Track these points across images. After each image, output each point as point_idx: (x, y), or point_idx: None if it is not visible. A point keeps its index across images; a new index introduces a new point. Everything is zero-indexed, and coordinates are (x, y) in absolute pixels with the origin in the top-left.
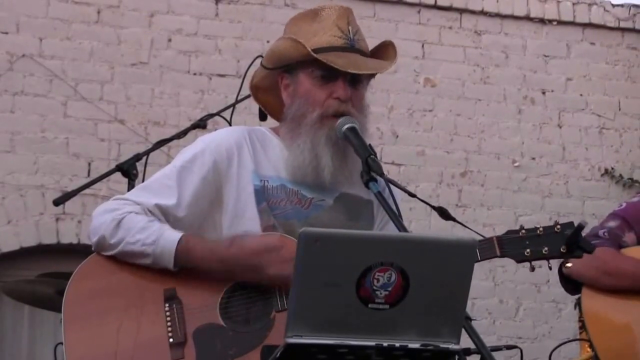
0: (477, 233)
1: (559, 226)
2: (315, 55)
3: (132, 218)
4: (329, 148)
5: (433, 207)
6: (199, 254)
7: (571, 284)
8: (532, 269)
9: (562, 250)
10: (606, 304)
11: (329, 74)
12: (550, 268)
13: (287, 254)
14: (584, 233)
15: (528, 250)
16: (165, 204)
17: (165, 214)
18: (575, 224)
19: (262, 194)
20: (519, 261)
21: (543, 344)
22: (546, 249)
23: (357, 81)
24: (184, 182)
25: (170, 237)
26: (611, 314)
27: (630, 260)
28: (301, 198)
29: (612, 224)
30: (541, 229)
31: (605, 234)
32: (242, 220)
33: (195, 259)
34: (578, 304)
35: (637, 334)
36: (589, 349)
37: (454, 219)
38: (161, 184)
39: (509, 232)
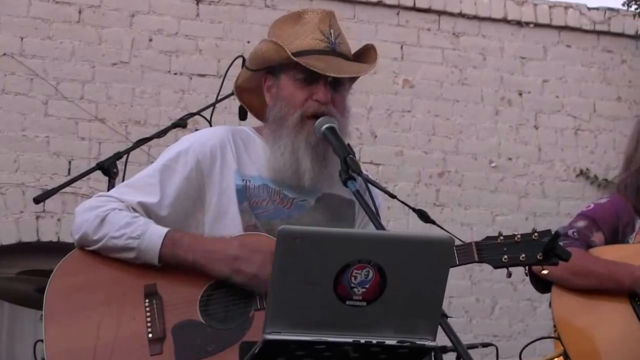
0: (456, 237)
1: (536, 234)
2: (294, 58)
3: (116, 214)
4: (308, 152)
5: (413, 209)
6: (185, 246)
7: (541, 282)
8: (509, 274)
9: (538, 257)
10: (576, 304)
11: (310, 77)
12: (526, 274)
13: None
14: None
15: (505, 256)
16: (148, 202)
17: (147, 212)
18: (552, 230)
19: (244, 193)
20: (496, 267)
21: (519, 342)
22: (523, 255)
23: (338, 84)
24: (167, 181)
25: (156, 230)
26: (580, 313)
27: (599, 261)
28: (283, 198)
29: (581, 224)
30: (519, 236)
31: (575, 233)
32: (224, 220)
33: (179, 251)
34: None
35: (606, 333)
36: (562, 347)
37: (433, 222)
38: (144, 182)
39: (487, 238)
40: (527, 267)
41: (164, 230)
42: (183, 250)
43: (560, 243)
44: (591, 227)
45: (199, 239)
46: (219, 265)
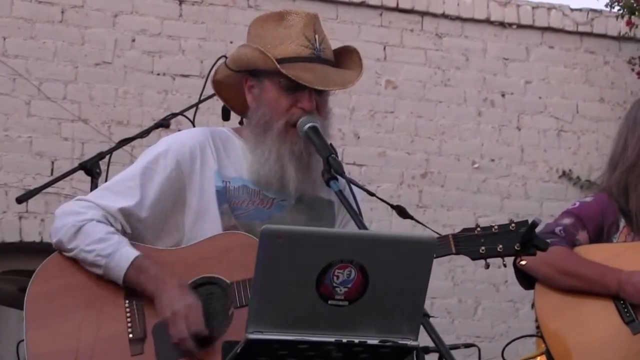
0: (434, 231)
1: (513, 224)
2: (283, 71)
3: (93, 227)
4: (293, 162)
5: (391, 206)
6: (148, 277)
7: (526, 279)
8: (487, 266)
9: (516, 247)
10: (559, 302)
11: (295, 85)
12: (505, 265)
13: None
14: (538, 230)
15: (483, 247)
16: (128, 206)
17: (128, 216)
18: (529, 221)
19: (224, 195)
20: (474, 258)
21: (501, 343)
22: (501, 246)
23: (322, 90)
24: (147, 183)
25: (126, 253)
26: (564, 312)
27: (586, 263)
28: (263, 198)
29: (567, 221)
30: (496, 227)
31: (562, 231)
32: (204, 221)
33: (142, 280)
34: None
35: (589, 332)
36: (544, 346)
37: (412, 217)
38: (124, 185)
39: (464, 230)
40: (503, 259)
41: (134, 254)
42: (145, 280)
43: (548, 240)
44: (577, 225)
45: (161, 274)
46: (162, 309)
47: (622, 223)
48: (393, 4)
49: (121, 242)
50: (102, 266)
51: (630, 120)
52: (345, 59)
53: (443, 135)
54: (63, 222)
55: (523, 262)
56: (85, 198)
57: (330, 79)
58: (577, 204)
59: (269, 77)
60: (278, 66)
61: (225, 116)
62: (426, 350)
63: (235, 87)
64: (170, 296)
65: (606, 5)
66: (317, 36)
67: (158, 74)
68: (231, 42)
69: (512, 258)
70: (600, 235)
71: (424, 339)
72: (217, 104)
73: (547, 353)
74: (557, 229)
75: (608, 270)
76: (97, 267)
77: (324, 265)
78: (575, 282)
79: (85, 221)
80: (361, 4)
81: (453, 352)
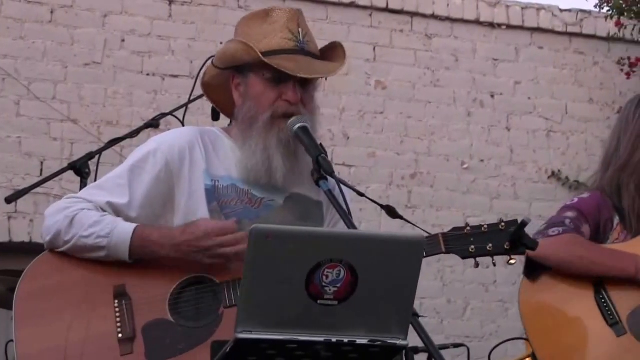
0: (424, 231)
1: (503, 224)
2: (265, 60)
3: (85, 214)
4: (280, 150)
5: (381, 206)
6: (154, 241)
7: (532, 268)
8: (477, 264)
9: (506, 247)
10: (543, 304)
11: (280, 77)
12: (494, 265)
13: (239, 236)
14: (535, 228)
15: (473, 247)
16: (117, 203)
17: (117, 213)
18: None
19: (213, 193)
20: (463, 257)
21: (490, 343)
22: (490, 245)
23: (307, 83)
24: (136, 182)
25: (124, 227)
26: (547, 314)
27: (602, 248)
28: (252, 198)
29: (571, 214)
30: (486, 226)
31: (570, 223)
32: (193, 220)
33: (150, 246)
34: None
35: (572, 333)
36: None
37: (401, 217)
38: (114, 183)
39: (454, 229)
40: (493, 258)
41: (133, 226)
42: (153, 245)
43: (560, 229)
44: (580, 218)
45: (167, 233)
46: (196, 256)
47: (616, 220)
48: (383, 5)
49: (116, 219)
50: (104, 247)
51: (623, 119)
52: (330, 53)
53: (432, 135)
54: (54, 220)
55: (513, 261)
56: (74, 195)
57: (313, 68)
58: (576, 199)
59: (254, 71)
60: (260, 54)
61: (215, 116)
62: (415, 350)
63: (224, 87)
64: (191, 246)
65: (595, 6)
66: (300, 30)
67: (148, 74)
68: (221, 43)
69: (505, 260)
70: (598, 231)
71: (413, 339)
72: (207, 104)
73: (533, 356)
74: (565, 221)
75: (625, 255)
76: (99, 249)
77: (313, 265)
78: (593, 267)
79: (76, 211)
80: (351, 5)
81: (442, 352)
